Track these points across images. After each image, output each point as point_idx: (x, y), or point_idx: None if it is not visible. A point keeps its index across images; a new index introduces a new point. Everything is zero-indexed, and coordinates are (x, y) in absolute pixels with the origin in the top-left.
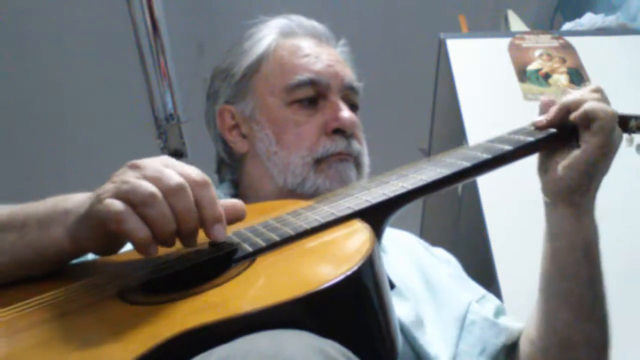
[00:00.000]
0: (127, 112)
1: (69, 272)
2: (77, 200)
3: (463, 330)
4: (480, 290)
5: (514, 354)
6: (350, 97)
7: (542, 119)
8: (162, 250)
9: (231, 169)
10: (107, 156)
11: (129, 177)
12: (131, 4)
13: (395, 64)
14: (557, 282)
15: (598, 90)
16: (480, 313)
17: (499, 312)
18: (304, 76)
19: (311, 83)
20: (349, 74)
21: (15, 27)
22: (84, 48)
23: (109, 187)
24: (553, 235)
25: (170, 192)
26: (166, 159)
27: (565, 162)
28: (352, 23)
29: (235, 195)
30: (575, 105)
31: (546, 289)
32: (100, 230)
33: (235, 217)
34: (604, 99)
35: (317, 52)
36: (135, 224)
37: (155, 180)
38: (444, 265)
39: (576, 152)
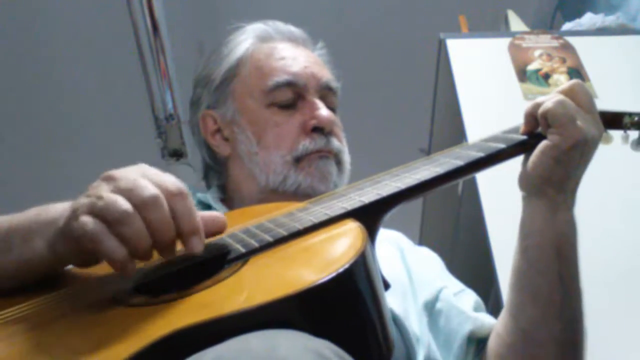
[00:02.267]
0: (127, 112)
1: (60, 278)
2: (57, 211)
3: (430, 318)
4: (459, 285)
5: (484, 352)
6: (328, 98)
7: (521, 129)
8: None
9: (217, 173)
10: (107, 156)
11: (103, 192)
12: (131, 4)
13: (395, 64)
14: (526, 278)
15: (560, 92)
16: (450, 301)
17: (477, 308)
18: (281, 78)
19: (289, 84)
20: (326, 75)
21: (15, 27)
22: (84, 48)
23: (84, 201)
24: (525, 229)
25: (144, 205)
26: (143, 168)
27: (536, 151)
28: (352, 23)
29: (223, 199)
30: (535, 109)
31: (515, 284)
32: (76, 246)
33: (215, 230)
34: (574, 92)
35: (294, 55)
36: (110, 244)
37: (129, 193)
38: (427, 260)
39: (544, 142)
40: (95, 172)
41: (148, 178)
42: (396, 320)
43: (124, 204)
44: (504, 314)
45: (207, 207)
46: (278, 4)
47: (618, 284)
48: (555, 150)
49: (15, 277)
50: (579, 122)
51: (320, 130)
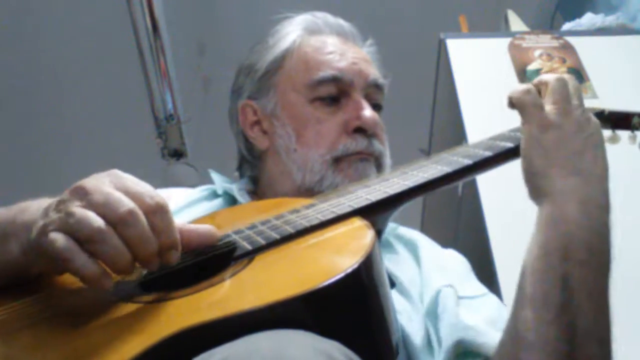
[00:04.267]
0: (127, 112)
1: (52, 276)
2: (34, 212)
3: (430, 318)
4: (480, 289)
5: None
6: (374, 95)
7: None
8: None
9: (251, 165)
10: (107, 156)
11: (74, 208)
12: (131, 4)
13: (395, 64)
14: (523, 277)
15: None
16: (447, 304)
17: (493, 321)
18: (327, 73)
19: (334, 80)
20: (373, 72)
21: (15, 27)
22: (84, 48)
23: (54, 217)
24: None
25: (120, 221)
26: (117, 177)
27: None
28: (352, 23)
29: (253, 191)
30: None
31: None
32: (48, 260)
33: (201, 244)
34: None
35: (342, 50)
36: (80, 262)
37: (102, 209)
38: (445, 261)
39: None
40: (95, 172)
41: (123, 189)
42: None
43: (96, 220)
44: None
45: (232, 198)
46: (278, 4)
47: (618, 283)
48: (525, 139)
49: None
50: (542, 108)
51: (363, 131)
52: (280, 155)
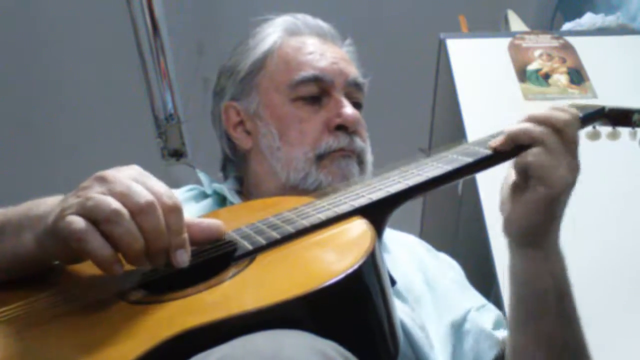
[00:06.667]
0: (127, 112)
1: (55, 275)
2: (49, 205)
3: (458, 338)
4: (480, 299)
5: None
6: (354, 94)
7: (494, 143)
8: None
9: (236, 166)
10: (107, 156)
11: (94, 193)
12: (131, 4)
13: (395, 64)
14: (527, 326)
15: (551, 124)
16: (478, 323)
17: (498, 324)
18: (308, 73)
19: (315, 79)
20: (353, 71)
21: (15, 27)
22: (84, 48)
23: (73, 201)
24: (519, 278)
25: (138, 211)
26: (137, 171)
27: (518, 201)
28: (352, 23)
29: (240, 191)
30: (517, 136)
31: (512, 329)
32: (64, 244)
33: (209, 239)
34: (553, 133)
35: (322, 50)
36: (96, 243)
37: (123, 197)
38: (446, 269)
39: (526, 194)
40: (95, 172)
41: (142, 184)
42: (404, 327)
43: (115, 203)
44: (510, 355)
45: (222, 198)
46: (278, 5)
47: (618, 283)
48: (540, 202)
49: (6, 272)
50: (561, 170)
51: (345, 128)
52: (264, 155)
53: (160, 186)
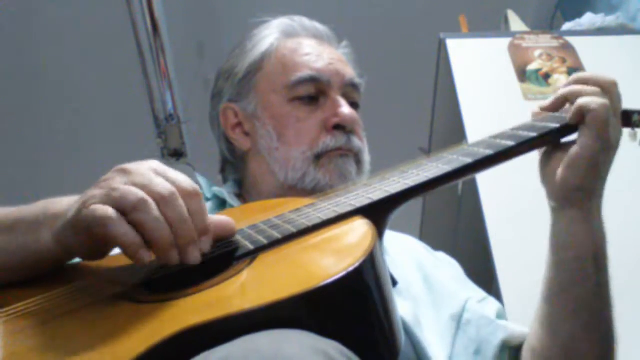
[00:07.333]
0: (127, 112)
1: (65, 274)
2: (66, 203)
3: (459, 330)
4: (481, 292)
5: None
6: (351, 94)
7: (540, 107)
8: None
9: (235, 167)
10: (107, 156)
11: (117, 184)
12: (131, 4)
13: (395, 64)
14: (567, 292)
15: (599, 84)
16: (478, 311)
17: (500, 316)
18: (305, 73)
19: (312, 80)
20: (349, 72)
21: (15, 27)
22: (84, 48)
23: (96, 192)
24: (560, 241)
25: (162, 201)
26: (156, 164)
27: (566, 160)
28: (352, 23)
29: (239, 194)
30: (572, 95)
31: (551, 297)
32: (86, 236)
33: (223, 235)
34: (603, 93)
35: (319, 51)
36: (123, 230)
37: (145, 188)
38: (445, 267)
39: (575, 149)
40: (95, 172)
41: (163, 175)
42: (405, 326)
43: (141, 192)
44: (537, 328)
45: (222, 201)
46: (277, 5)
47: (620, 283)
48: (588, 150)
49: (20, 270)
50: (611, 128)
51: (342, 128)
52: (262, 155)
53: (179, 175)
